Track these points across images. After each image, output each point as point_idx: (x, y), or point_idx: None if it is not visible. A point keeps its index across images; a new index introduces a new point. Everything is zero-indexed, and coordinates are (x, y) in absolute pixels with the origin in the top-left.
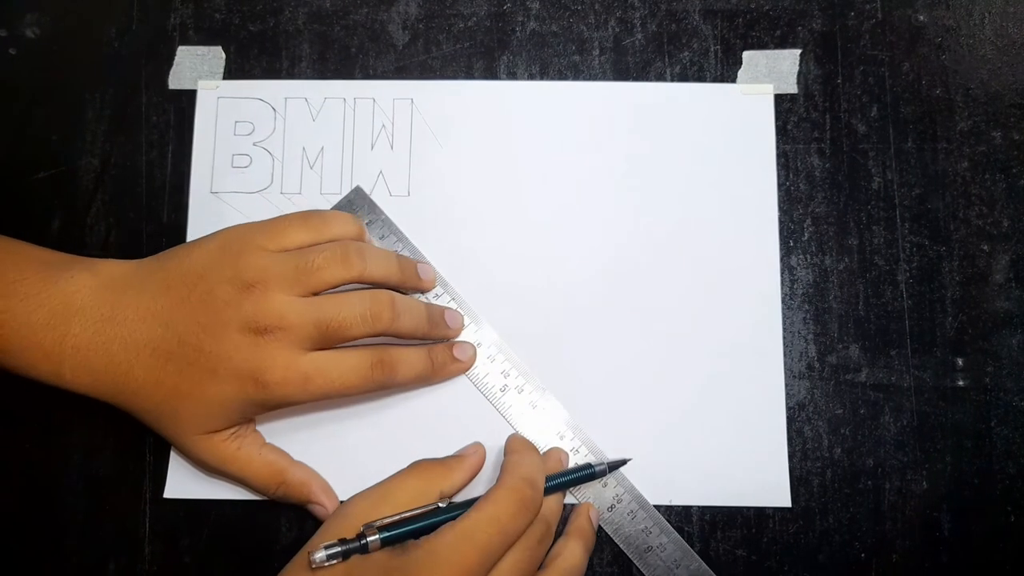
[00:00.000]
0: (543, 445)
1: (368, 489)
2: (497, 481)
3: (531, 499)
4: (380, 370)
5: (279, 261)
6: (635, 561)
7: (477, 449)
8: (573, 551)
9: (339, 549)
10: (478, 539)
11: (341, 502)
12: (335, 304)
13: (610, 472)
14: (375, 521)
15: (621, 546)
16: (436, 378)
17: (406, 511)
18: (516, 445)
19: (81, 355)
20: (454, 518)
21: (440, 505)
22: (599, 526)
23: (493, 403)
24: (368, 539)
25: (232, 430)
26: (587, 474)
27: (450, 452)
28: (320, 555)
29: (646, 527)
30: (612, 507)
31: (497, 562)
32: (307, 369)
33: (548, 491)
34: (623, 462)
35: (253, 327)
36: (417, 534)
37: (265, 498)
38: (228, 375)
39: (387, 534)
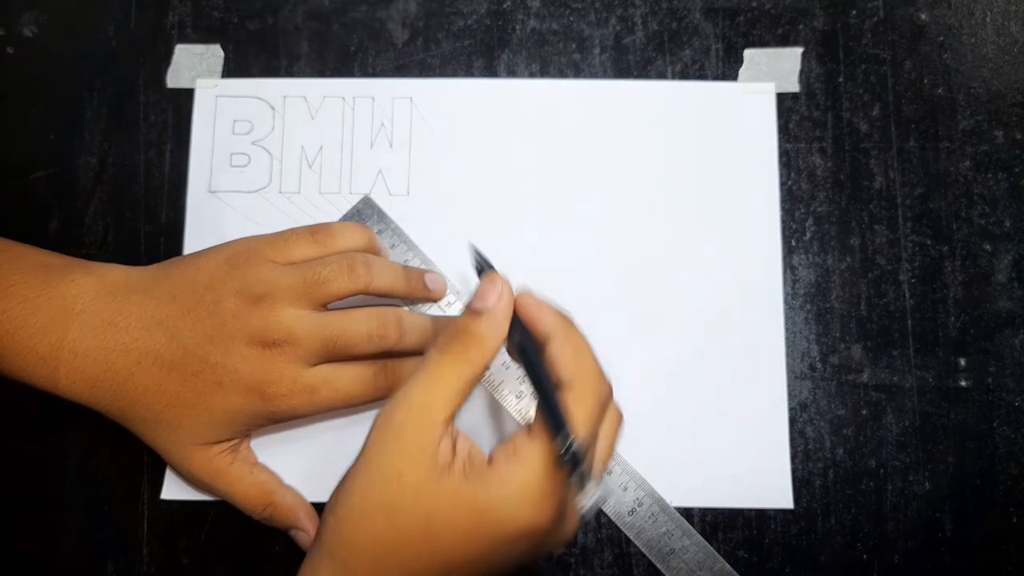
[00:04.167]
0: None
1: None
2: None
3: None
4: (384, 377)
5: (286, 274)
6: (658, 564)
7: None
8: None
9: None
10: None
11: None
12: (342, 321)
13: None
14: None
15: (643, 549)
16: None
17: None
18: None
19: (79, 360)
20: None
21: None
22: (622, 529)
23: (510, 410)
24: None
25: (231, 443)
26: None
27: None
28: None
29: (668, 530)
30: (633, 511)
31: None
32: (313, 381)
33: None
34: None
35: (260, 340)
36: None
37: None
38: (234, 387)
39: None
